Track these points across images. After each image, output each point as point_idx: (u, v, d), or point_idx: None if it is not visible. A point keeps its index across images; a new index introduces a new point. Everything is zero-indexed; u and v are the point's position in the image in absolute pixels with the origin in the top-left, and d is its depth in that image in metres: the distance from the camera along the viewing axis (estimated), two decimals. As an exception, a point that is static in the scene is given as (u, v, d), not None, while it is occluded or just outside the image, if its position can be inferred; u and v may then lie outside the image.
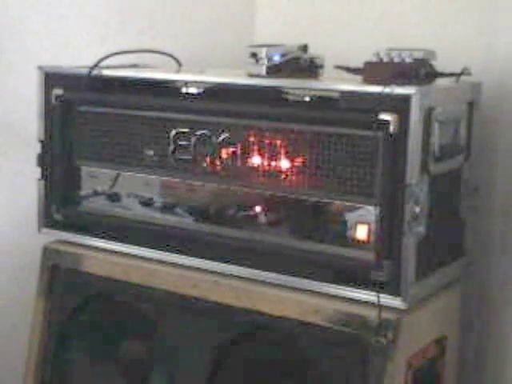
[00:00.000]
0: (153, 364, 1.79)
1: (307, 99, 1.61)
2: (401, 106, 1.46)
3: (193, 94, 1.74)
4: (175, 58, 1.93)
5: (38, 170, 1.86)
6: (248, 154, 1.64)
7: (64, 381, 1.90)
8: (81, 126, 1.82)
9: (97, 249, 1.83)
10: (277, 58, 1.65)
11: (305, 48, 1.71)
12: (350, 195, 1.54)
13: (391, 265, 1.49)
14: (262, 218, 1.65)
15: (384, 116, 1.46)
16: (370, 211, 1.52)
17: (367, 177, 1.51)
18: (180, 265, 1.73)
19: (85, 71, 1.78)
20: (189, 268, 1.72)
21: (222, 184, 1.68)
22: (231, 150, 1.65)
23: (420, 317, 1.57)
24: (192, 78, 1.75)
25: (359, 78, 1.60)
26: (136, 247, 1.79)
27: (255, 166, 1.63)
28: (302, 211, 1.61)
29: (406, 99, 1.45)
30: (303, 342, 1.58)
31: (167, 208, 1.77)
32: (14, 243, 2.07)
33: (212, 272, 1.69)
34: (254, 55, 1.65)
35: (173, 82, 1.78)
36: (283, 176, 1.61)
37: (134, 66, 1.89)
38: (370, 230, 1.53)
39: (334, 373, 1.55)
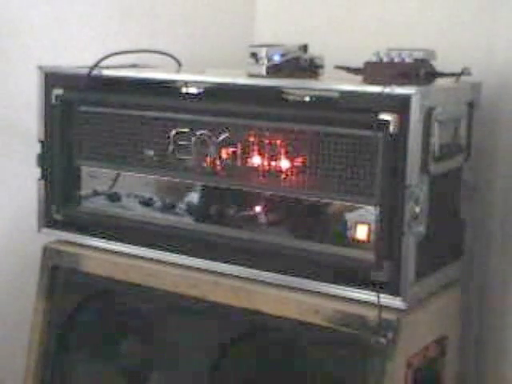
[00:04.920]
0: (153, 364, 1.79)
1: (307, 99, 1.61)
2: (401, 106, 1.46)
3: (193, 94, 1.74)
4: (175, 58, 1.93)
5: (38, 170, 1.86)
6: (248, 154, 1.64)
7: (64, 381, 1.90)
8: (81, 125, 1.82)
9: (97, 249, 1.83)
10: (277, 58, 1.65)
11: (305, 48, 1.70)
12: (350, 195, 1.54)
13: (391, 265, 1.49)
14: (262, 218, 1.66)
15: (384, 116, 1.46)
16: (370, 211, 1.52)
17: (367, 177, 1.51)
18: (180, 265, 1.73)
19: (85, 71, 1.78)
20: (189, 268, 1.72)
21: (222, 184, 1.68)
22: (231, 149, 1.65)
23: (420, 317, 1.57)
24: (192, 78, 1.75)
25: (359, 78, 1.60)
26: (136, 247, 1.79)
27: (255, 165, 1.63)
28: (301, 211, 1.61)
29: (406, 99, 1.45)
30: (303, 341, 1.58)
31: (167, 208, 1.77)
32: (14, 243, 2.07)
33: (212, 272, 1.69)
34: (254, 55, 1.65)
35: (173, 81, 1.78)
36: (283, 176, 1.61)
37: (134, 66, 1.89)
38: (370, 230, 1.53)
39: (334, 373, 1.55)
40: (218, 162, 1.67)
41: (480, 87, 1.69)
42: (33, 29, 2.00)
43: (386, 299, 1.50)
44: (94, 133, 1.82)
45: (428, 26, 1.90)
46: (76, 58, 1.92)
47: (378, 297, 1.49)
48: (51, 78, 1.83)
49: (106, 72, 1.78)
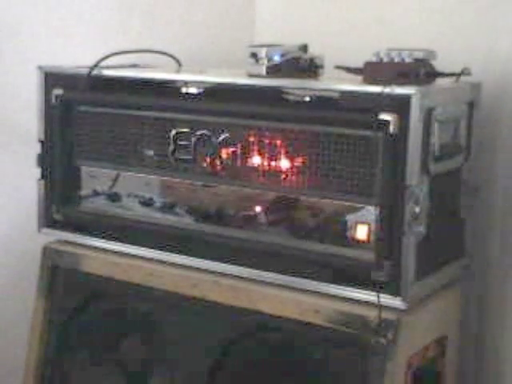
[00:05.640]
0: (153, 364, 1.79)
1: (307, 99, 1.61)
2: (401, 106, 1.46)
3: (193, 94, 1.74)
4: (175, 58, 1.93)
5: (38, 170, 1.86)
6: (248, 154, 1.64)
7: (64, 381, 1.90)
8: (81, 125, 1.82)
9: (97, 249, 1.83)
10: (277, 58, 1.65)
11: (305, 48, 1.71)
12: (350, 195, 1.54)
13: (391, 265, 1.49)
14: (262, 218, 1.65)
15: (384, 116, 1.46)
16: (370, 211, 1.52)
17: (367, 177, 1.51)
18: (180, 265, 1.73)
19: (85, 71, 1.78)
20: (189, 268, 1.72)
21: (222, 184, 1.68)
22: (231, 149, 1.65)
23: (420, 317, 1.57)
24: (192, 78, 1.74)
25: (359, 78, 1.60)
26: (136, 247, 1.79)
27: (255, 165, 1.63)
28: (302, 211, 1.61)
29: (406, 99, 1.45)
30: (303, 341, 1.58)
31: (167, 208, 1.77)
32: (14, 243, 2.07)
33: (212, 272, 1.69)
34: (254, 55, 1.65)
35: (173, 81, 1.77)
36: (283, 176, 1.61)
37: (134, 65, 1.89)
38: (369, 230, 1.53)
39: (334, 373, 1.55)
40: (217, 162, 1.67)
41: (480, 87, 1.69)
42: (33, 29, 2.01)
43: (385, 299, 1.50)
44: (93, 133, 1.82)
45: (428, 26, 1.90)
46: (76, 58, 1.92)
47: (378, 297, 1.49)
48: (51, 78, 1.83)
49: (106, 72, 1.78)
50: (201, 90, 1.73)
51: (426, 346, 1.62)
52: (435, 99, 1.51)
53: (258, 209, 1.66)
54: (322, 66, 1.72)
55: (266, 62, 1.64)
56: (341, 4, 2.06)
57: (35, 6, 2.01)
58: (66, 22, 2.04)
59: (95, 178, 1.85)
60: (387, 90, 1.46)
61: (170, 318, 1.74)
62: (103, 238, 1.83)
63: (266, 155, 1.62)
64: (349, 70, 1.64)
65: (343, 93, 1.51)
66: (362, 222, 1.54)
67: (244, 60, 1.67)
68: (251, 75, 1.65)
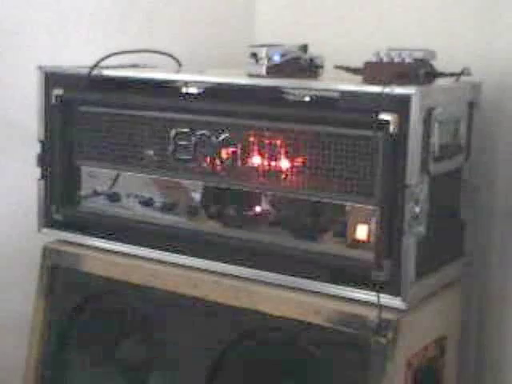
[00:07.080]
0: (153, 364, 1.79)
1: (307, 99, 1.61)
2: (401, 106, 1.46)
3: (193, 94, 1.74)
4: (175, 58, 1.93)
5: (38, 170, 1.86)
6: (248, 154, 1.64)
7: (64, 381, 1.90)
8: (81, 125, 1.82)
9: (97, 249, 1.83)
10: (277, 58, 1.65)
11: (305, 48, 1.71)
12: (350, 195, 1.54)
13: (391, 265, 1.49)
14: (262, 218, 1.65)
15: (384, 116, 1.46)
16: (370, 211, 1.52)
17: (367, 177, 1.51)
18: (180, 265, 1.73)
19: (85, 71, 1.78)
20: (189, 268, 1.72)
21: (222, 184, 1.68)
22: (231, 150, 1.65)
23: (420, 317, 1.57)
24: (192, 78, 1.75)
25: (359, 77, 1.60)
26: (136, 247, 1.79)
27: (255, 165, 1.63)
28: (301, 211, 1.61)
29: (406, 99, 1.45)
30: (303, 341, 1.58)
31: (167, 208, 1.77)
32: (14, 243, 2.07)
33: (212, 272, 1.69)
34: (254, 55, 1.65)
35: (173, 81, 1.78)
36: (283, 176, 1.61)
37: (134, 65, 1.89)
38: (369, 230, 1.53)
39: (334, 373, 1.55)
40: (217, 162, 1.67)
41: (480, 87, 1.69)
42: (33, 29, 2.01)
43: (386, 299, 1.50)
44: (93, 133, 1.82)
45: (428, 25, 1.90)
46: (76, 58, 1.92)
47: (378, 297, 1.49)
48: (51, 78, 1.83)
49: (106, 72, 1.78)
50: (201, 90, 1.73)
51: (425, 345, 1.62)
52: (435, 99, 1.51)
53: (257, 209, 1.66)
54: (322, 66, 1.72)
55: (266, 62, 1.64)
56: (341, 4, 2.06)
57: (35, 6, 2.01)
58: (66, 22, 2.04)
59: (95, 177, 1.85)
60: (387, 89, 1.46)
61: (170, 318, 1.74)
62: (103, 238, 1.83)
63: (266, 155, 1.62)
64: (349, 69, 1.64)
65: (343, 93, 1.51)
66: (362, 222, 1.54)
67: (244, 60, 1.67)
68: (251, 75, 1.65)
